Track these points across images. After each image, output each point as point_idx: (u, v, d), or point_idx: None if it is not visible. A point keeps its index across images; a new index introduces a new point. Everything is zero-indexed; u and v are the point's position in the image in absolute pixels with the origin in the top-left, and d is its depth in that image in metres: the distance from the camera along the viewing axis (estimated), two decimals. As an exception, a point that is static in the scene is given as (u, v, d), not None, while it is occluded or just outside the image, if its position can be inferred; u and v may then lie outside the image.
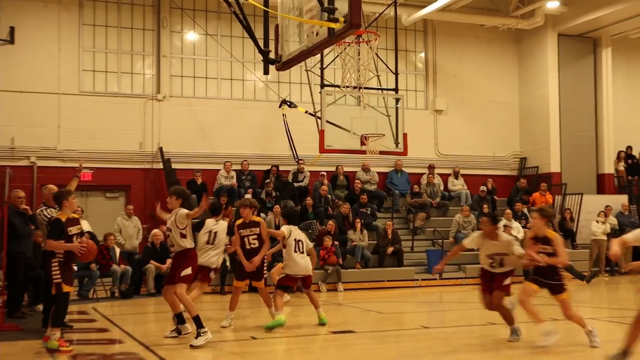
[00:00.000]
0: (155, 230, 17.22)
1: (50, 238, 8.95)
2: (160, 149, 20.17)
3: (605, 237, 20.97)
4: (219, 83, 21.38)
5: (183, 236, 9.38)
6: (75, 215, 9.26)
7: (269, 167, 20.57)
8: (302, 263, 10.75)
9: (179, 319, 9.54)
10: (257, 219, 11.09)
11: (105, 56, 20.45)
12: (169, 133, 20.39)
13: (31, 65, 19.30)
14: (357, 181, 21.10)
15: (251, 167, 20.50)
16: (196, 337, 8.95)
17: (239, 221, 11.01)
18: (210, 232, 11.18)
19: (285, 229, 10.86)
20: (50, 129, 19.40)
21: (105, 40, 20.44)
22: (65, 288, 8.82)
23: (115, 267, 16.32)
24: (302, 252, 10.77)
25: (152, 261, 16.75)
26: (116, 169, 19.81)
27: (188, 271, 9.36)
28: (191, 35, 21.28)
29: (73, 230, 8.89)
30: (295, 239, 10.74)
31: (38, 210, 11.37)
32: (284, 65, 9.46)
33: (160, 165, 20.09)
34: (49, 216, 10.57)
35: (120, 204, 19.87)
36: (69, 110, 19.63)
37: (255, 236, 10.82)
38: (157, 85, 20.77)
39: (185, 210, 9.35)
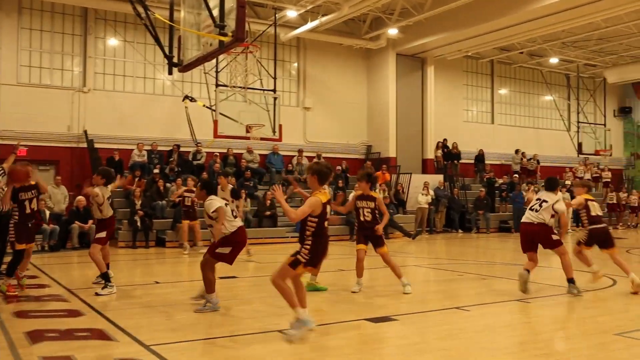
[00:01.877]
0: (80, 197, 16.60)
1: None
2: (85, 131, 19.31)
3: (427, 206, 21.71)
4: (135, 80, 20.66)
5: (100, 210, 8.99)
6: (32, 182, 8.83)
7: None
8: None
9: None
10: (375, 194, 9.31)
11: (40, 55, 19.36)
12: (93, 119, 19.53)
13: (-25, 60, 18.08)
14: (243, 160, 20.97)
15: (160, 148, 19.97)
16: (102, 288, 8.66)
17: (359, 192, 9.20)
18: None
19: None
20: (-9, 112, 18.26)
21: (40, 41, 19.33)
22: (19, 246, 8.46)
23: (45, 226, 15.67)
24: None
25: (76, 222, 16.16)
26: (47, 147, 18.85)
27: (102, 234, 8.99)
28: (112, 41, 20.41)
29: (24, 195, 8.65)
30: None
31: (-21, 179, 10.70)
32: (185, 68, 9.21)
33: (85, 145, 19.25)
34: None
35: (50, 175, 18.88)
36: (8, 97, 18.52)
37: (370, 210, 9.04)
38: (83, 80, 19.84)
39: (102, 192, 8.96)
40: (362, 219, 9.05)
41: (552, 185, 8.94)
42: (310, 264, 6.14)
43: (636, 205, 26.90)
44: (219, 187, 12.35)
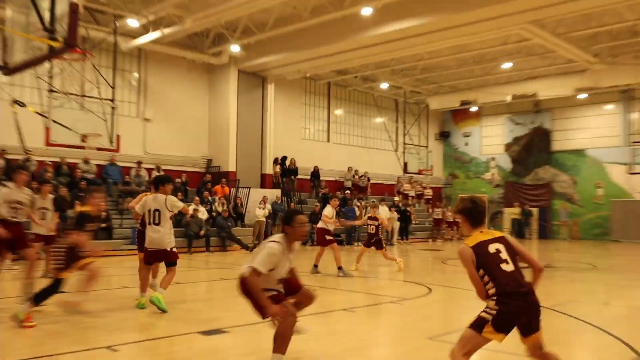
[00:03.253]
0: None
1: None
2: None
3: (264, 219, 21.82)
4: (-42, 81, 18.81)
5: None
6: None
7: None
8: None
9: None
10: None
11: None
12: None
13: None
14: (78, 170, 19.75)
15: (-16, 155, 18.28)
16: None
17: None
18: None
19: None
20: None
21: None
22: None
23: None
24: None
25: None
26: None
27: None
28: None
29: None
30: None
31: None
32: (11, 71, 8.45)
33: None
34: None
35: None
36: None
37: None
38: None
39: None
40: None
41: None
42: (503, 328, 4.19)
43: (452, 220, 29.01)
44: (40, 194, 11.42)
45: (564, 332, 7.43)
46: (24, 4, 7.67)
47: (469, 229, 4.59)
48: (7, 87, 18.51)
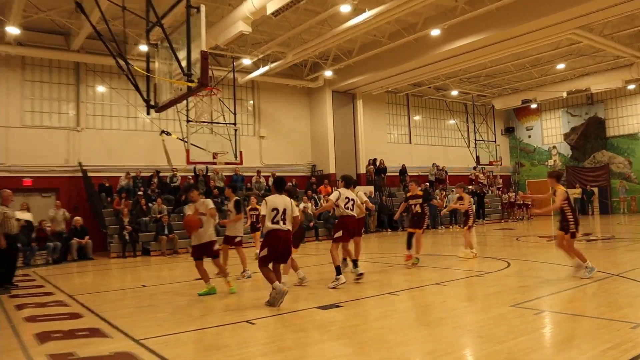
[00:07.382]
0: (77, 217, 16.07)
1: None
2: (80, 163, 18.68)
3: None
4: (120, 119, 20.07)
5: None
6: None
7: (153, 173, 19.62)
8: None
9: None
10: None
11: (41, 101, 18.64)
12: (86, 152, 18.91)
13: (-16, 107, 17.24)
14: (212, 181, 20.60)
15: (142, 174, 19.40)
16: None
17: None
18: None
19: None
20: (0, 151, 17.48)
21: (40, 90, 18.64)
22: None
23: (49, 243, 15.03)
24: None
25: (75, 238, 15.56)
26: (49, 177, 18.16)
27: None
28: (100, 88, 19.82)
29: None
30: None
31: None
32: (160, 109, 8.96)
33: (80, 174, 18.61)
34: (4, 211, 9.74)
35: (52, 200, 18.17)
36: (16, 138, 17.80)
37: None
38: (77, 120, 19.18)
39: None
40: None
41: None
42: (575, 234, 8.19)
43: (521, 203, 27.75)
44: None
45: (633, 295, 6.93)
46: (168, 56, 8.09)
47: (555, 184, 8.25)
48: (156, 121, 19.66)
